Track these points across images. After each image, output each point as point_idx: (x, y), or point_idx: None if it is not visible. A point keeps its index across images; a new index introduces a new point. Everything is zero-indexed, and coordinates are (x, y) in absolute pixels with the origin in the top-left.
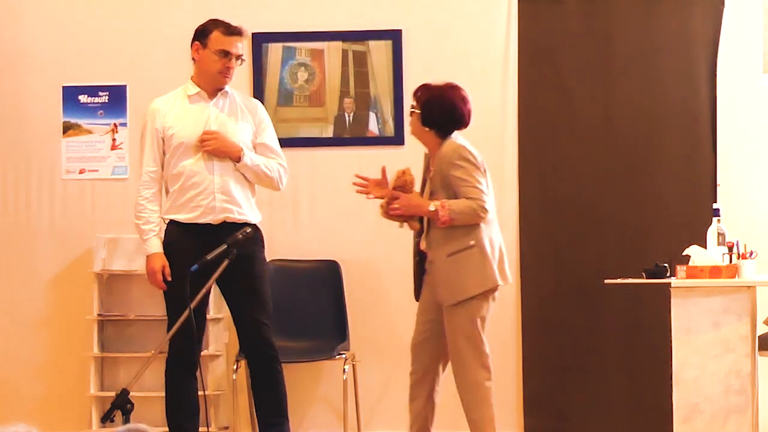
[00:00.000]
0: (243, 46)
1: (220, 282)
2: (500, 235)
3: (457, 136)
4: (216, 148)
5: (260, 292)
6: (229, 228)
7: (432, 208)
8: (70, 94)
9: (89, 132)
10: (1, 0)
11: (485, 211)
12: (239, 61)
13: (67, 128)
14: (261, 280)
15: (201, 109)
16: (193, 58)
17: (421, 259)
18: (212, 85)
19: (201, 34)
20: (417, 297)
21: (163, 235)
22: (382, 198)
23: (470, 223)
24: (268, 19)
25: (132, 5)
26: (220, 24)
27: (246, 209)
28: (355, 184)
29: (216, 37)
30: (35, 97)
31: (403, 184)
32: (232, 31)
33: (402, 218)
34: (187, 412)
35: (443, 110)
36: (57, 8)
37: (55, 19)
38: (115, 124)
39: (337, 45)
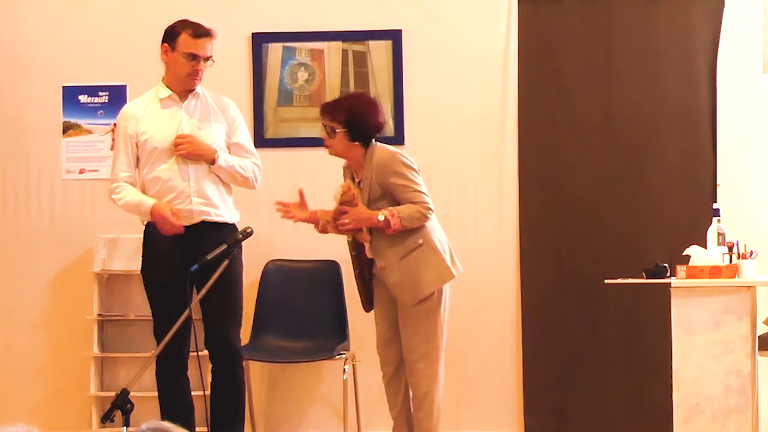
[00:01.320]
0: (212, 48)
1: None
2: (441, 229)
3: (382, 144)
4: (190, 152)
5: (231, 292)
6: (206, 228)
7: (381, 217)
8: (70, 94)
9: (89, 132)
10: (1, 0)
11: (431, 211)
12: (209, 63)
13: (67, 128)
14: (234, 280)
15: (173, 113)
16: (163, 60)
17: (361, 271)
18: (182, 87)
19: (169, 36)
20: (366, 309)
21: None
22: (307, 221)
23: (418, 225)
24: (268, 19)
25: (132, 5)
26: (189, 26)
27: (222, 210)
28: (278, 210)
29: (184, 39)
30: (35, 97)
31: (351, 199)
32: (200, 33)
33: (352, 232)
34: (182, 412)
35: (368, 121)
36: (57, 8)
37: (55, 19)
38: (115, 124)
39: (337, 45)
